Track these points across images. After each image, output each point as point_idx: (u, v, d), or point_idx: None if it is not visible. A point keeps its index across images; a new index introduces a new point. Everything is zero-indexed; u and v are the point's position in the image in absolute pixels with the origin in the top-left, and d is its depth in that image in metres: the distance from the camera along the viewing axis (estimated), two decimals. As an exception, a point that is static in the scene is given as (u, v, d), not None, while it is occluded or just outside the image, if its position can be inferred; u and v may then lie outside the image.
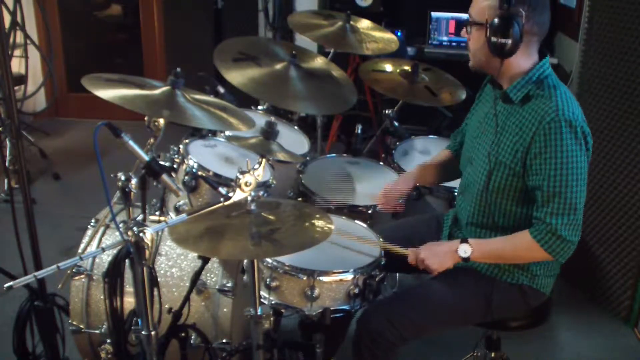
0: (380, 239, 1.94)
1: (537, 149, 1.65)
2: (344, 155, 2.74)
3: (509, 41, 1.61)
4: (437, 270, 1.77)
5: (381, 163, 2.64)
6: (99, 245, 2.12)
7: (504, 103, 1.77)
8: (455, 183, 2.11)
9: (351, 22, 2.74)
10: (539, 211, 1.67)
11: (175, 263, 2.09)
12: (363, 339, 1.79)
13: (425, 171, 2.17)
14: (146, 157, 1.54)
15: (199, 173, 1.97)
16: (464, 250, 1.73)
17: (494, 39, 1.62)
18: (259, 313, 1.71)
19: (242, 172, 1.47)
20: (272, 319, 1.74)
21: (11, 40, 3.73)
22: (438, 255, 1.77)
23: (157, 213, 2.08)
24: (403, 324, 1.78)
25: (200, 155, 2.08)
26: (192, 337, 1.99)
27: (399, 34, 3.98)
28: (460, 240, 1.75)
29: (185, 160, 2.01)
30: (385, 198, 2.15)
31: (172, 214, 2.05)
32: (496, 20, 1.61)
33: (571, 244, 1.66)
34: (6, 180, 3.70)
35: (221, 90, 2.33)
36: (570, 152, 1.62)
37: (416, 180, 2.16)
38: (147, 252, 1.38)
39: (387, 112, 2.76)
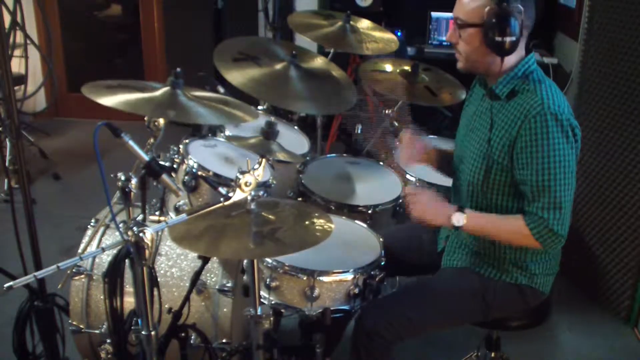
0: (382, 244, 1.94)
1: (522, 143, 1.65)
2: (344, 155, 2.74)
3: (513, 38, 1.62)
4: (422, 221, 1.76)
5: (381, 163, 2.64)
6: (99, 245, 2.12)
7: (490, 100, 1.78)
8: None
9: (351, 22, 2.74)
10: (530, 206, 1.67)
11: (175, 263, 2.09)
12: (360, 337, 1.79)
13: (440, 154, 2.13)
14: (146, 157, 1.54)
15: (199, 173, 1.97)
16: (458, 219, 1.72)
17: (498, 38, 1.62)
18: (259, 313, 1.71)
19: (242, 172, 1.47)
20: (272, 319, 1.74)
21: (11, 40, 3.72)
22: (433, 209, 1.76)
23: (157, 213, 2.08)
24: (400, 323, 1.78)
25: (200, 155, 2.08)
26: (192, 337, 1.99)
27: (399, 34, 3.98)
28: (458, 207, 1.75)
29: (185, 160, 2.01)
30: (406, 152, 2.09)
31: (172, 214, 2.05)
32: (495, 19, 1.61)
33: (562, 238, 1.66)
34: (6, 180, 3.70)
35: (221, 90, 2.33)
36: (556, 145, 1.62)
37: (430, 154, 2.11)
38: (147, 252, 1.38)
39: (387, 112, 2.76)
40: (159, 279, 1.85)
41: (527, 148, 1.64)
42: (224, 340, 2.04)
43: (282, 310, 1.83)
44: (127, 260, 1.65)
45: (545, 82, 1.70)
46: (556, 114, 1.62)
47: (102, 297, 2.03)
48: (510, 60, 1.71)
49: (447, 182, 2.31)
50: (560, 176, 1.63)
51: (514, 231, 1.71)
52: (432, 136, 2.89)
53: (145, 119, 1.65)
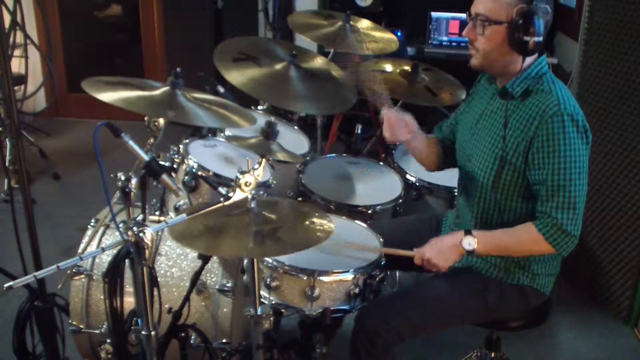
0: (382, 244, 1.94)
1: (539, 143, 1.65)
2: (344, 155, 2.74)
3: (539, 39, 1.61)
4: (445, 267, 1.75)
5: (381, 163, 2.64)
6: (99, 245, 2.12)
7: (501, 99, 1.77)
8: (453, 182, 2.11)
9: (351, 22, 2.74)
10: (543, 206, 1.67)
11: (175, 263, 2.09)
12: (360, 337, 1.79)
13: (426, 143, 2.05)
14: (146, 157, 1.54)
15: (199, 173, 1.97)
16: (469, 242, 1.71)
17: (526, 37, 1.61)
18: (259, 313, 1.71)
19: (242, 172, 1.47)
20: (272, 319, 1.74)
21: (11, 40, 3.72)
22: (443, 252, 1.75)
23: (157, 213, 2.08)
24: (400, 323, 1.77)
25: (200, 155, 2.08)
26: (192, 337, 1.99)
27: (399, 34, 3.98)
28: (464, 232, 1.74)
29: (185, 160, 2.01)
30: (391, 129, 1.99)
31: (172, 214, 2.05)
32: (524, 18, 1.60)
33: (574, 239, 1.66)
34: (6, 180, 3.70)
35: (221, 90, 2.33)
36: (573, 146, 1.63)
37: (419, 139, 2.02)
38: (147, 252, 1.38)
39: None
40: (159, 279, 1.85)
41: (544, 148, 1.64)
42: (224, 340, 2.04)
43: (282, 310, 1.83)
44: (127, 260, 1.65)
45: (557, 83, 1.71)
46: (572, 115, 1.63)
47: (102, 297, 2.02)
48: (527, 60, 1.70)
49: (448, 182, 2.32)
50: (576, 176, 1.64)
51: (526, 240, 1.70)
52: (430, 135, 2.89)
53: (145, 119, 1.66)
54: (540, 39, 1.62)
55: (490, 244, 1.74)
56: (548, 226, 1.66)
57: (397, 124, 1.99)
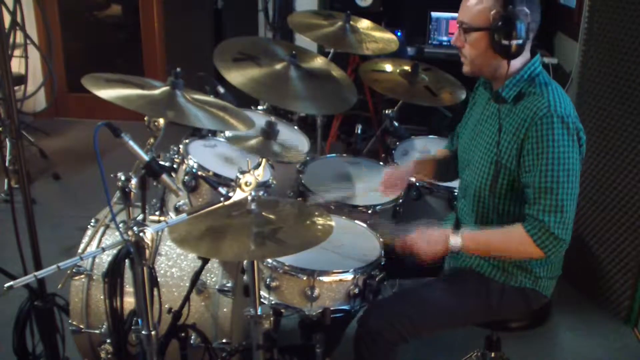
0: (381, 244, 1.94)
1: (529, 146, 1.64)
2: (344, 155, 2.74)
3: (519, 42, 1.61)
4: (426, 257, 1.74)
5: (381, 163, 2.64)
6: (99, 245, 2.12)
7: (496, 103, 1.77)
8: (454, 183, 2.11)
9: (351, 22, 2.74)
10: (531, 208, 1.65)
11: (175, 263, 2.09)
12: (363, 338, 1.79)
13: (422, 165, 2.15)
14: (146, 157, 1.54)
15: (199, 173, 1.97)
16: (456, 239, 1.71)
17: (504, 41, 1.61)
18: (259, 313, 1.71)
19: (242, 172, 1.47)
20: (272, 319, 1.74)
21: (11, 40, 3.73)
22: (430, 242, 1.74)
23: (157, 213, 2.08)
24: (403, 324, 1.77)
25: (200, 155, 2.08)
26: (192, 337, 1.99)
27: (399, 34, 3.98)
28: (453, 228, 1.73)
29: (185, 160, 2.01)
30: (386, 184, 2.13)
31: (172, 214, 2.05)
32: (501, 22, 1.60)
33: (563, 243, 1.64)
34: (6, 180, 3.70)
35: (221, 90, 2.33)
36: (562, 148, 1.61)
37: (414, 171, 2.14)
38: (147, 252, 1.38)
39: (387, 112, 2.76)
40: (159, 279, 1.84)
41: (533, 150, 1.63)
42: (224, 340, 2.04)
43: (282, 310, 1.83)
44: (127, 260, 1.65)
45: (551, 84, 1.70)
46: (562, 117, 1.61)
47: (102, 297, 2.02)
48: (516, 63, 1.69)
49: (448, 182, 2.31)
50: (564, 179, 1.61)
51: (514, 241, 1.69)
52: (431, 136, 2.89)
53: (145, 119, 1.65)
54: (520, 41, 1.61)
55: (478, 241, 1.73)
56: (536, 228, 1.64)
57: (389, 183, 2.15)
